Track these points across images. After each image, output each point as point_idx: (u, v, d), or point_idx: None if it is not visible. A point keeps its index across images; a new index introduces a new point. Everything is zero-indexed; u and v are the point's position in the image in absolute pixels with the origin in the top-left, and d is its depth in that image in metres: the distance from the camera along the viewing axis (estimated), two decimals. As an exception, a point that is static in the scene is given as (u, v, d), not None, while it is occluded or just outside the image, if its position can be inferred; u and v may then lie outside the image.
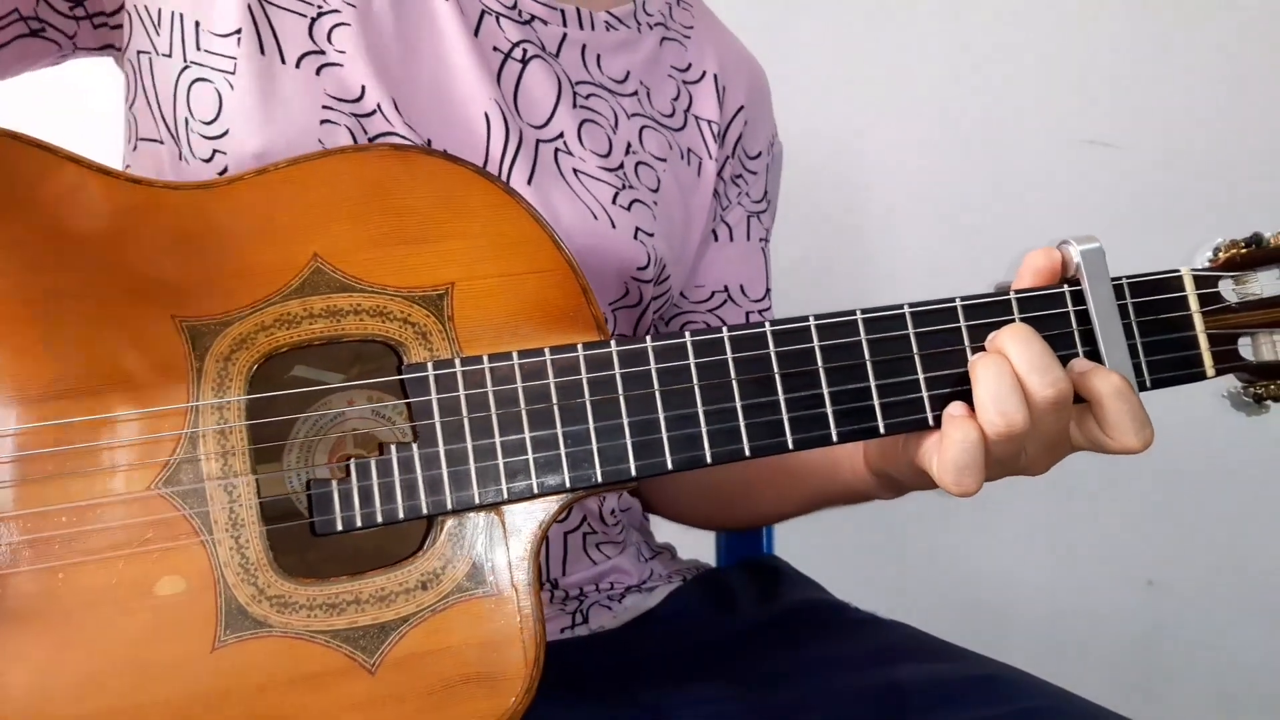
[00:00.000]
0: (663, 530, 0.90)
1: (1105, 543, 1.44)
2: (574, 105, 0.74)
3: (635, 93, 0.78)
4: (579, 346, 0.58)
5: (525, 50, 0.73)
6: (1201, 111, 1.39)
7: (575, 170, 0.73)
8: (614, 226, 0.73)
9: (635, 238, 0.74)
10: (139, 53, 0.69)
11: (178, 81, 0.67)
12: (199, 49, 0.66)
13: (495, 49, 0.72)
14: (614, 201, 0.73)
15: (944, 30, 1.36)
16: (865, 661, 0.71)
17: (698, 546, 0.90)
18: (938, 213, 1.38)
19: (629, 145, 0.76)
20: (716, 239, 0.84)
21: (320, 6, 0.67)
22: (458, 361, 0.57)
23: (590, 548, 0.78)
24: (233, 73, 0.66)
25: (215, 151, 0.65)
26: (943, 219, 1.37)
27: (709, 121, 0.82)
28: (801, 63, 1.28)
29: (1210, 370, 0.62)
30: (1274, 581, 1.45)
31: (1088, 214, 1.36)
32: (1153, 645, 1.48)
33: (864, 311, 0.60)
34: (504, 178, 0.70)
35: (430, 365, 0.57)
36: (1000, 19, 1.37)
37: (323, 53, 0.67)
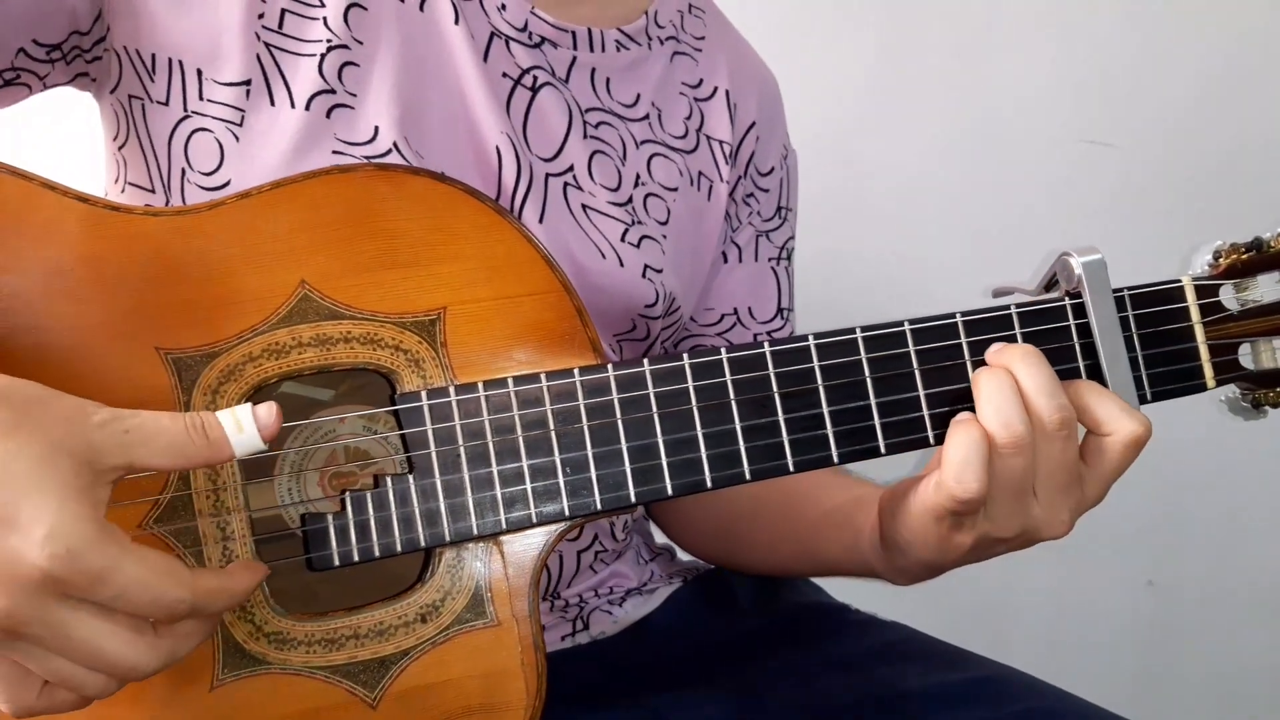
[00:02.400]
0: (664, 531, 0.89)
1: (1105, 543, 1.44)
2: (584, 136, 0.73)
3: (646, 116, 0.76)
4: (576, 371, 0.57)
5: (535, 77, 0.71)
6: (1201, 111, 1.37)
7: (585, 206, 0.71)
8: (622, 265, 0.72)
9: (644, 276, 0.73)
10: (131, 97, 0.66)
11: (174, 131, 0.65)
12: (201, 99, 0.64)
13: (505, 75, 0.70)
14: (623, 239, 0.72)
15: (944, 30, 1.34)
16: (865, 663, 0.72)
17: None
18: (937, 213, 1.36)
19: (638, 177, 0.75)
20: (726, 261, 0.83)
21: (329, 41, 0.65)
22: (452, 390, 0.56)
23: (596, 561, 0.78)
24: (239, 124, 0.64)
25: None
26: (942, 219, 1.36)
27: (721, 142, 0.80)
28: (802, 63, 1.25)
29: (1211, 382, 0.62)
30: (1274, 581, 1.46)
31: (1087, 214, 1.35)
32: (1153, 645, 1.49)
33: (864, 330, 0.59)
34: (516, 214, 0.69)
35: (424, 394, 0.56)
36: (1001, 19, 1.34)
37: (333, 92, 0.64)
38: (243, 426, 0.48)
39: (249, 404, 0.49)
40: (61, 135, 0.96)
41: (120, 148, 0.69)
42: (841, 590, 0.83)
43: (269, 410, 0.49)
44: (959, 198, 1.36)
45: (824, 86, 1.30)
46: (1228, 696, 1.50)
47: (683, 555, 0.88)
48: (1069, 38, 1.35)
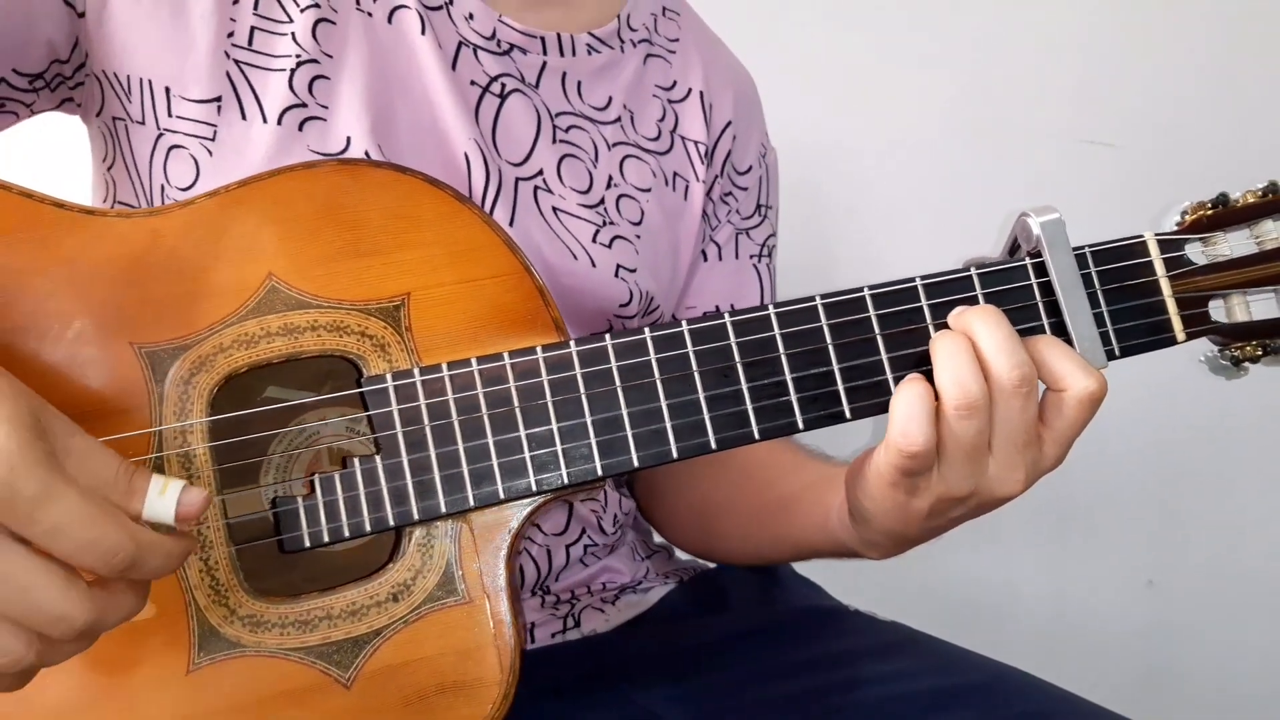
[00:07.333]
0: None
1: (1105, 543, 1.42)
2: (554, 140, 0.74)
3: (618, 119, 0.78)
4: (538, 349, 0.58)
5: (504, 84, 0.72)
6: (1201, 112, 1.36)
7: (555, 209, 0.73)
8: (594, 265, 0.73)
9: (616, 275, 0.73)
10: (114, 119, 0.69)
11: (154, 149, 0.67)
12: (170, 115, 0.66)
13: (473, 83, 0.72)
14: (594, 240, 0.73)
15: (943, 29, 1.35)
16: (863, 662, 0.70)
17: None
18: (937, 213, 1.36)
19: (610, 179, 0.76)
20: (706, 259, 0.83)
21: (299, 56, 0.67)
22: (416, 371, 0.57)
23: (586, 555, 0.78)
24: (211, 139, 0.66)
25: None
26: (942, 220, 1.35)
27: (696, 142, 0.81)
28: (797, 62, 1.26)
29: (1180, 335, 0.61)
30: (1274, 581, 1.43)
31: (1087, 214, 1.34)
32: (1153, 645, 1.46)
33: (824, 297, 0.59)
34: None
35: (389, 376, 0.57)
36: (999, 19, 1.35)
37: (304, 105, 0.66)
38: (165, 491, 0.47)
39: (185, 481, 0.48)
40: (58, 154, 0.98)
41: (109, 169, 0.71)
42: (841, 590, 0.82)
43: (198, 493, 0.47)
44: (958, 198, 1.36)
45: (817, 86, 1.31)
46: (1228, 696, 1.46)
47: (680, 555, 0.87)
48: (1069, 38, 1.35)
